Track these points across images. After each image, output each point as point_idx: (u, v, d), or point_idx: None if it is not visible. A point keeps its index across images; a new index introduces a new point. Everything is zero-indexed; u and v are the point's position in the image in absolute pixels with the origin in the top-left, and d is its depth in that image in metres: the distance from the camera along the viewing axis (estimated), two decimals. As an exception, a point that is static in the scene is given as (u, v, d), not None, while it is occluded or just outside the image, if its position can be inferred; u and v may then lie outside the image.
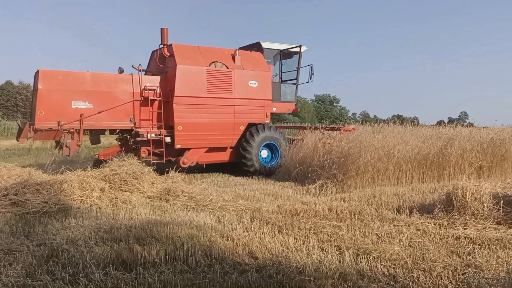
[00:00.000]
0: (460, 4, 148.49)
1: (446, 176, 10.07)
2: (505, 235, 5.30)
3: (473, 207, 6.10)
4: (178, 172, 9.24)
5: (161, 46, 10.97)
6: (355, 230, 5.60)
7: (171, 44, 10.90)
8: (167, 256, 4.45)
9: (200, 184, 9.31)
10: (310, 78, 12.86)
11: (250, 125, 11.59)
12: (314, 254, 4.59)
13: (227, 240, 5.11)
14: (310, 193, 8.53)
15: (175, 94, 10.43)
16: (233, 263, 4.33)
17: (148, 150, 10.44)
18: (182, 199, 7.38)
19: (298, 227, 5.74)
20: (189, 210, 6.81)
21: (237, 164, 11.67)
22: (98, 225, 5.76)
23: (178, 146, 10.63)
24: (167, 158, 10.65)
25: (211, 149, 11.30)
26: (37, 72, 9.51)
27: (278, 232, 5.52)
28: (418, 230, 5.68)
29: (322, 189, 8.67)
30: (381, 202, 7.42)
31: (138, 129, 10.30)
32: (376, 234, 5.44)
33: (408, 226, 5.84)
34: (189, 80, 10.61)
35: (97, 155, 10.61)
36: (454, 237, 5.32)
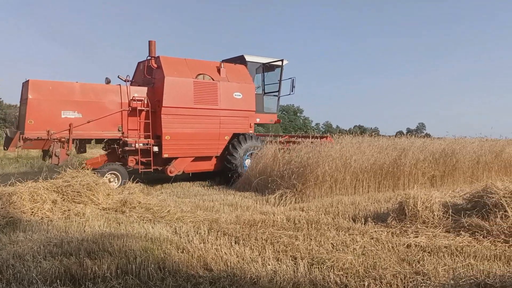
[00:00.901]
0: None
1: (401, 186, 10.40)
2: (453, 242, 5.52)
3: (424, 215, 6.33)
4: (136, 182, 9.06)
5: (149, 57, 11.22)
6: (311, 239, 5.67)
7: (158, 56, 11.16)
8: (118, 270, 4.33)
9: (159, 195, 9.17)
10: (292, 91, 13.52)
11: (234, 135, 11.97)
12: (269, 265, 4.60)
13: (183, 252, 5.04)
14: (270, 203, 8.58)
15: (163, 105, 10.66)
16: (187, 276, 4.27)
17: (136, 159, 10.62)
18: (138, 211, 7.22)
19: (255, 237, 5.74)
20: (145, 222, 6.67)
21: (221, 173, 11.97)
22: (48, 238, 5.53)
23: (165, 155, 10.82)
24: (154, 167, 10.83)
25: (197, 158, 11.55)
26: (27, 81, 9.52)
27: (235, 243, 5.51)
28: (372, 238, 5.82)
29: (281, 199, 8.74)
30: (338, 212, 7.56)
31: (126, 139, 10.47)
32: (331, 243, 5.53)
33: (363, 234, 5.98)
34: (177, 91, 10.89)
35: (84, 164, 10.45)
36: (406, 245, 5.48)
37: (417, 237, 5.81)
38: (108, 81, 10.89)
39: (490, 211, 5.94)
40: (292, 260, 4.83)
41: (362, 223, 6.66)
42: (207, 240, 5.55)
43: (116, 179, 10.21)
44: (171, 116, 10.78)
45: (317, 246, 5.37)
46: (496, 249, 5.27)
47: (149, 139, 10.72)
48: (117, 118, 10.42)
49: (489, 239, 5.58)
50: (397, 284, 4.09)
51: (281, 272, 4.35)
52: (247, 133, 12.13)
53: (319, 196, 9.08)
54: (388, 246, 5.42)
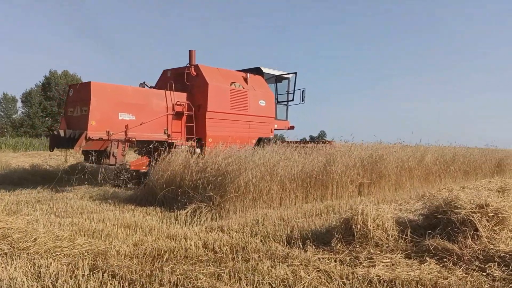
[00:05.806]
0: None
1: (329, 195, 9.25)
2: (420, 273, 4.26)
3: (377, 236, 5.07)
4: None
5: (188, 65, 11.87)
6: (241, 279, 4.05)
7: (197, 65, 11.80)
8: None
9: (30, 213, 6.84)
10: (302, 100, 14.47)
11: (259, 139, 12.84)
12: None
13: (38, 318, 3.09)
14: (180, 221, 6.80)
15: (207, 109, 11.39)
16: None
17: None
18: (-13, 241, 4.99)
19: (159, 281, 3.95)
20: (-5, 259, 4.50)
21: None
22: None
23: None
24: None
25: None
26: (87, 83, 9.75)
27: (129, 291, 3.68)
28: (319, 271, 4.36)
29: (195, 216, 7.01)
30: (266, 232, 6.03)
31: (173, 141, 10.94)
32: (269, 283, 3.95)
33: (306, 266, 4.50)
34: (218, 97, 11.69)
35: (129, 166, 10.75)
36: (364, 279, 4.10)
37: (373, 266, 4.48)
38: (143, 86, 11.57)
39: (457, 230, 4.83)
40: (217, 320, 3.16)
41: (299, 247, 5.21)
42: (86, 290, 3.65)
43: None
44: (214, 120, 11.55)
45: (249, 290, 3.76)
46: (473, 280, 4.13)
47: (191, 142, 11.16)
48: (164, 121, 10.89)
49: (461, 266, 4.43)
50: None
51: None
52: (269, 137, 13.07)
53: (241, 211, 7.50)
54: (344, 283, 3.99)
